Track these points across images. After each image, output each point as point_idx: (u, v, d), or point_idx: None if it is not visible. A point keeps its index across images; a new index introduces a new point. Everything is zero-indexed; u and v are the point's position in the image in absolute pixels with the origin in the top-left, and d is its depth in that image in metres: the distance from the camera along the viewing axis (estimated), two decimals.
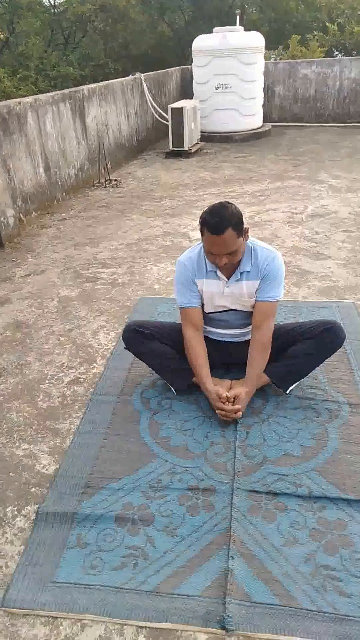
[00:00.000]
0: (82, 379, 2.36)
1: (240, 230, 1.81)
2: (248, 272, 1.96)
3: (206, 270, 2.00)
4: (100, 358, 2.52)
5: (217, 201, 1.89)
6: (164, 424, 2.05)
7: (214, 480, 1.77)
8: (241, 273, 1.97)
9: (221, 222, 1.76)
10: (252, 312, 2.06)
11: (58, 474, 1.83)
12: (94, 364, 2.47)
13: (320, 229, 4.12)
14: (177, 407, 2.13)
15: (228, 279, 1.99)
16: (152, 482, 1.78)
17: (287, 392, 2.14)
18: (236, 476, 1.78)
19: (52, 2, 15.33)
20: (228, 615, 1.34)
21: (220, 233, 1.77)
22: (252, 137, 8.22)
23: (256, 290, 2.00)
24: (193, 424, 2.04)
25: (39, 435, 2.04)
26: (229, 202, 1.85)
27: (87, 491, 1.75)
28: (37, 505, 1.70)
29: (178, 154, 7.16)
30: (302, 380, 2.19)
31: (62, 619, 1.36)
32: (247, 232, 1.88)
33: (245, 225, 1.85)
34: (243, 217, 1.84)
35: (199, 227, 1.87)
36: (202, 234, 1.85)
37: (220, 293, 2.02)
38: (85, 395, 2.25)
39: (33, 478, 1.83)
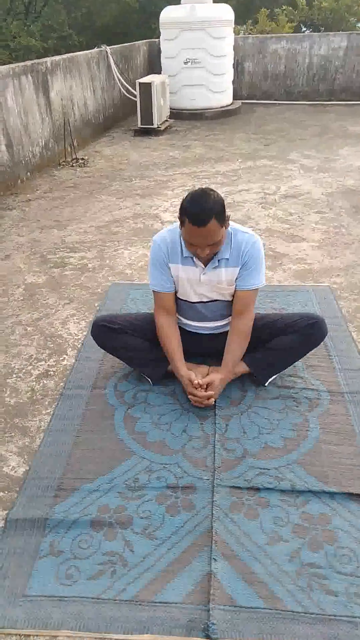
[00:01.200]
0: (52, 372, 2.24)
1: (223, 219, 1.70)
2: (227, 259, 1.87)
3: (182, 255, 1.89)
4: (70, 349, 2.39)
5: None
6: (140, 419, 1.95)
7: (193, 477, 1.70)
8: (219, 260, 1.87)
9: (204, 213, 1.64)
10: (230, 302, 1.97)
11: (28, 476, 1.72)
12: (64, 356, 2.35)
13: (293, 210, 4.05)
14: (153, 400, 2.04)
15: (205, 266, 1.88)
16: (128, 481, 1.69)
17: (266, 384, 2.08)
18: (216, 472, 1.71)
19: None
20: (212, 623, 1.28)
21: (203, 224, 1.65)
22: (222, 115, 8.04)
23: (236, 278, 1.91)
24: (170, 418, 1.95)
25: (7, 435, 1.91)
26: (210, 189, 1.73)
27: (60, 494, 1.65)
28: (6, 512, 1.59)
29: (147, 131, 6.94)
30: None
31: (35, 637, 1.27)
32: (229, 219, 1.78)
33: (227, 213, 1.74)
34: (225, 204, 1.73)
35: (178, 215, 1.74)
36: (182, 223, 1.73)
37: (196, 281, 1.91)
38: (56, 390, 2.13)
39: (1, 482, 1.71)
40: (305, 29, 13.07)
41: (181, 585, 1.38)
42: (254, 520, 1.55)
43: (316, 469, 1.71)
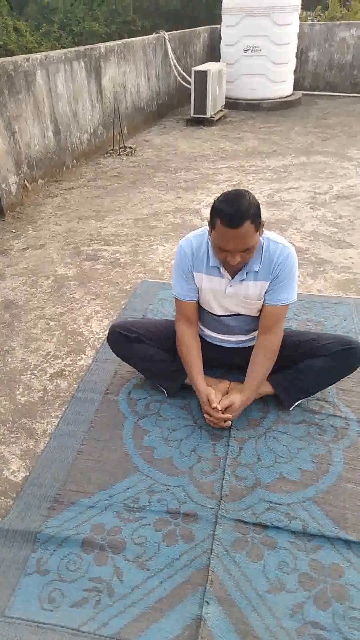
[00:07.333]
0: (67, 372, 2.17)
1: (258, 223, 1.54)
2: (256, 272, 1.70)
3: (207, 264, 1.74)
4: (89, 348, 2.31)
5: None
6: (150, 432, 1.84)
7: (197, 504, 1.57)
8: (247, 272, 1.70)
9: (239, 214, 1.48)
10: (258, 317, 1.81)
11: (27, 483, 1.66)
12: (82, 355, 2.27)
13: (344, 213, 3.78)
14: (166, 412, 1.93)
15: (232, 278, 1.73)
16: (128, 500, 1.59)
17: (290, 409, 1.91)
18: (222, 501, 1.58)
19: None
20: None
21: (237, 226, 1.49)
22: (280, 106, 7.72)
23: (265, 292, 1.74)
24: (181, 434, 1.83)
25: (12, 435, 1.86)
26: (245, 190, 1.56)
27: (56, 506, 1.57)
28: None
29: (200, 121, 6.76)
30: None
31: None
32: (263, 226, 1.61)
33: (262, 219, 1.58)
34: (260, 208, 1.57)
35: (207, 219, 1.60)
36: (212, 226, 1.57)
37: (221, 293, 1.76)
38: (68, 391, 2.05)
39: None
40: None
41: (167, 627, 1.27)
42: (257, 562, 1.41)
43: (334, 511, 1.54)
